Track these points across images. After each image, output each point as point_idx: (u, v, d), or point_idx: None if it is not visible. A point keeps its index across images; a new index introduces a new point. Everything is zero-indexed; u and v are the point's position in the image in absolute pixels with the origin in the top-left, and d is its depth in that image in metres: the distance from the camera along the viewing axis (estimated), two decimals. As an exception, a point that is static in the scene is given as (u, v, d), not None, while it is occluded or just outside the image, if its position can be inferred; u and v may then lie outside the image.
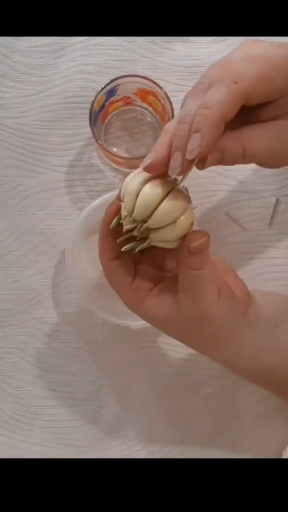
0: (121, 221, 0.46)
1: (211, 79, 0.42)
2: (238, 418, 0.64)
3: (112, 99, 0.61)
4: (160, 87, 0.58)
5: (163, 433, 0.64)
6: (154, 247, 0.47)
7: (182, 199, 0.44)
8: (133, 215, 0.44)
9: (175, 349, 0.64)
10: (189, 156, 0.41)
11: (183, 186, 0.46)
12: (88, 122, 0.59)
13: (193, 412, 0.64)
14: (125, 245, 0.46)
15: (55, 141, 0.65)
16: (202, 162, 0.42)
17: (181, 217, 0.45)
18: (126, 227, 0.45)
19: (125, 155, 0.64)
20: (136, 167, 0.62)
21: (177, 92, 0.64)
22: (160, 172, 0.44)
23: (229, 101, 0.40)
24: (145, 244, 0.46)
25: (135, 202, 0.44)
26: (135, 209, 0.44)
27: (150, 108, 0.63)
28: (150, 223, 0.44)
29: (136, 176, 0.45)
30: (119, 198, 0.47)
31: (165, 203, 0.44)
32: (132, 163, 0.62)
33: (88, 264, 0.64)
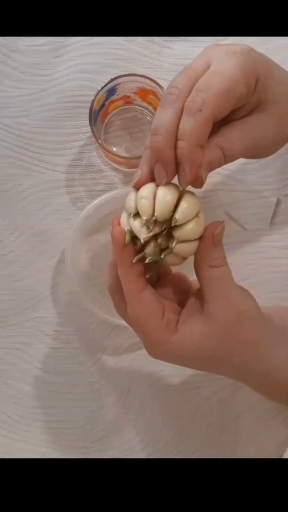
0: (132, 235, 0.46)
1: (179, 89, 0.45)
2: (238, 418, 0.64)
3: (112, 98, 0.61)
4: (160, 86, 0.58)
5: (163, 434, 0.64)
6: (162, 275, 0.49)
7: (194, 195, 0.47)
8: (156, 214, 0.44)
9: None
10: (183, 185, 0.45)
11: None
12: (88, 121, 0.59)
13: (193, 413, 0.64)
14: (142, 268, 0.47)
15: (55, 141, 0.65)
16: (198, 182, 0.46)
17: (200, 213, 0.46)
18: (146, 235, 0.45)
19: (125, 155, 0.64)
20: (136, 166, 0.63)
21: (177, 92, 0.65)
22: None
23: (198, 129, 0.44)
24: (169, 249, 0.46)
25: (153, 203, 0.45)
26: (157, 209, 0.44)
27: (150, 107, 0.63)
28: (179, 216, 0.45)
29: (142, 188, 0.46)
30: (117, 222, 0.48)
31: (186, 197, 0.45)
32: (132, 163, 0.62)
33: (88, 264, 0.64)
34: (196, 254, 0.47)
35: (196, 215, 0.46)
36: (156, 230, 0.45)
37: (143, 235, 0.45)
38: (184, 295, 0.51)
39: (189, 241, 0.46)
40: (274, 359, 0.49)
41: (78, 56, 0.65)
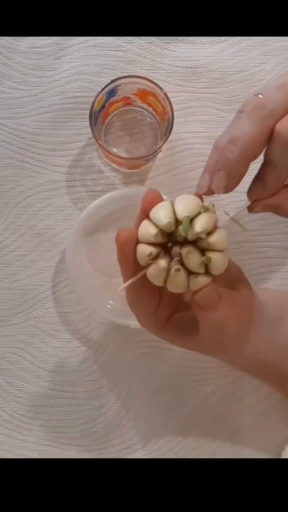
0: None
1: (273, 104, 0.42)
2: (238, 417, 0.65)
3: (112, 99, 0.61)
4: (160, 88, 0.58)
5: (163, 432, 0.65)
6: None
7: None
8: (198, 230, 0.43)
9: (174, 348, 0.64)
10: (216, 191, 0.44)
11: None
12: (88, 122, 0.59)
13: (193, 412, 0.65)
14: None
15: (56, 142, 0.65)
16: (252, 208, 0.46)
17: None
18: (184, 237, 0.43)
19: (125, 155, 0.64)
20: (136, 167, 0.63)
21: (176, 93, 0.65)
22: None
23: (255, 135, 0.41)
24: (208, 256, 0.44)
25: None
26: (200, 225, 0.43)
27: (150, 109, 0.63)
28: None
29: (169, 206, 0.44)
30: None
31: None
32: (131, 163, 0.62)
33: (88, 264, 0.65)
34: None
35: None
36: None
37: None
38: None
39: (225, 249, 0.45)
40: (253, 345, 0.52)
41: (78, 57, 0.65)
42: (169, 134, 0.58)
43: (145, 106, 0.63)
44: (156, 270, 0.44)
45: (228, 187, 0.44)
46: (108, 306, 0.63)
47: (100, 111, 0.61)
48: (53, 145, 0.65)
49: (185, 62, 0.65)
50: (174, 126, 0.58)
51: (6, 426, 0.65)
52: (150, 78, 0.59)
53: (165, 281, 0.45)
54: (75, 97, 0.65)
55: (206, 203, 0.45)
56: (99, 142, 0.59)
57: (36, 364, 0.65)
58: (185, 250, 0.43)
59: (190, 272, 0.44)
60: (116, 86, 0.59)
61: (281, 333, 0.53)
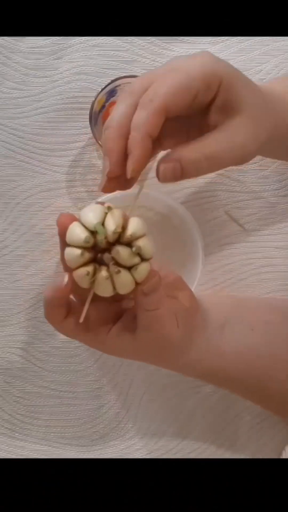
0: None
1: (132, 87, 0.46)
2: (237, 417, 0.65)
3: (112, 99, 0.61)
4: (160, 88, 0.58)
5: (163, 432, 0.65)
6: None
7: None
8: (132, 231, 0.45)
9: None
10: (128, 174, 0.45)
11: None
12: (88, 122, 0.59)
13: (193, 412, 0.65)
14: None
15: (56, 142, 0.65)
16: (158, 175, 0.47)
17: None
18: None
19: (125, 156, 0.64)
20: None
21: (177, 93, 0.65)
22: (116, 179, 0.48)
23: (149, 119, 0.44)
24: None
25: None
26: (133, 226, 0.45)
27: (150, 109, 0.63)
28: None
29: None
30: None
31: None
32: (132, 164, 0.62)
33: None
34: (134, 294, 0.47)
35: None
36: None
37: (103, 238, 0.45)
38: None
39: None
40: (193, 357, 0.52)
41: (78, 58, 0.65)
42: (169, 134, 0.58)
43: (145, 106, 0.63)
44: (103, 281, 0.45)
45: (111, 166, 0.46)
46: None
47: (100, 111, 0.61)
48: (53, 145, 0.65)
49: (185, 62, 0.65)
50: (174, 126, 0.58)
51: (6, 426, 0.65)
52: (150, 78, 0.59)
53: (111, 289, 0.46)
54: (75, 97, 0.65)
55: (106, 205, 0.47)
56: (99, 142, 0.59)
57: (36, 364, 0.65)
58: (114, 250, 0.45)
59: (128, 269, 0.46)
60: (116, 86, 0.59)
61: (224, 339, 0.54)
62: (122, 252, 0.44)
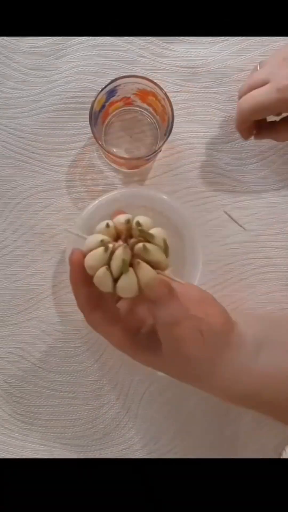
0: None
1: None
2: (237, 418, 0.65)
3: (112, 99, 0.61)
4: (160, 88, 0.58)
5: (163, 433, 0.65)
6: None
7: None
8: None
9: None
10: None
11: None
12: (88, 122, 0.59)
13: (193, 412, 0.65)
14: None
15: (56, 141, 0.65)
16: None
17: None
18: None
19: (125, 155, 0.64)
20: (136, 167, 0.63)
21: (176, 93, 0.65)
22: None
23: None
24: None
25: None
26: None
27: (150, 109, 0.63)
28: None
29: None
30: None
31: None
32: (132, 163, 0.62)
33: (88, 264, 0.64)
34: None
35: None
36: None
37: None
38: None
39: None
40: (225, 379, 0.50)
41: (78, 57, 0.65)
42: (169, 134, 0.58)
43: (145, 106, 0.63)
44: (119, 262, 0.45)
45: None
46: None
47: (100, 111, 0.61)
48: (53, 145, 0.65)
49: (185, 62, 0.65)
50: (174, 126, 0.58)
51: (6, 426, 0.65)
52: (150, 78, 0.59)
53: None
54: (75, 97, 0.65)
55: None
56: (99, 142, 0.59)
57: (36, 364, 0.65)
58: (132, 240, 0.45)
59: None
60: (116, 86, 0.59)
61: (260, 361, 0.51)
62: (148, 246, 0.45)
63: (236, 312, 0.54)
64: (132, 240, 0.45)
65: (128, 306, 0.51)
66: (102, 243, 0.45)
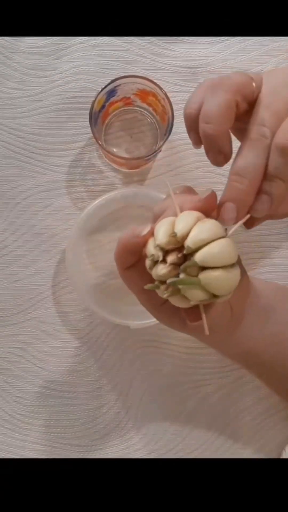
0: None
1: (268, 129, 0.42)
2: (237, 418, 0.65)
3: (112, 99, 0.61)
4: (160, 88, 0.58)
5: (163, 432, 0.65)
6: None
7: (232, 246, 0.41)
8: (188, 242, 0.39)
9: (174, 348, 0.65)
10: (257, 214, 0.43)
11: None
12: (88, 122, 0.59)
13: (193, 411, 0.65)
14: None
15: (56, 141, 0.65)
16: (251, 223, 0.44)
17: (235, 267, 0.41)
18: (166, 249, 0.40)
19: (125, 156, 0.64)
20: (136, 167, 0.63)
21: (177, 93, 0.65)
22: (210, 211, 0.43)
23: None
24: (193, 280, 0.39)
25: (191, 227, 0.40)
26: (191, 234, 0.39)
27: (150, 109, 0.63)
28: (190, 241, 0.39)
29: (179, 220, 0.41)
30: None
31: (222, 240, 0.40)
32: (131, 163, 0.62)
33: (88, 264, 0.65)
34: None
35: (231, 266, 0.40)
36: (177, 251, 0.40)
37: (165, 244, 0.40)
38: None
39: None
40: (251, 339, 0.52)
41: (78, 57, 0.65)
42: (169, 134, 0.58)
43: (145, 106, 0.63)
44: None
45: (238, 217, 0.43)
46: (108, 306, 0.63)
47: (100, 111, 0.61)
48: (53, 145, 0.65)
49: (185, 62, 0.65)
50: (174, 126, 0.58)
51: (6, 426, 0.65)
52: (150, 78, 0.59)
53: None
54: (75, 97, 0.65)
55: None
56: (99, 142, 0.59)
57: (36, 364, 0.65)
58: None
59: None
60: (116, 86, 0.59)
61: (270, 323, 0.53)
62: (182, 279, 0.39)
63: (252, 277, 0.53)
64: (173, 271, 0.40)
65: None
66: (151, 257, 0.41)
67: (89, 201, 0.64)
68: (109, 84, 0.58)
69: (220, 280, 0.39)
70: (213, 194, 0.43)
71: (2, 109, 0.65)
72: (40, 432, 0.65)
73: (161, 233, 0.40)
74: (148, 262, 0.42)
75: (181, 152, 0.65)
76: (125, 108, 0.64)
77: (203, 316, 0.42)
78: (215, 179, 0.65)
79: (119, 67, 0.65)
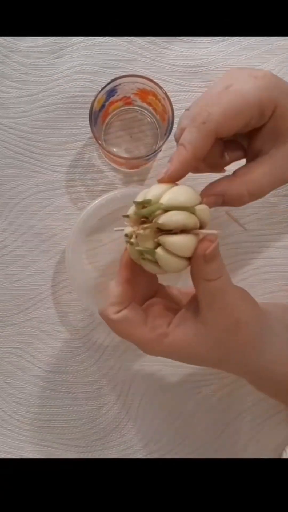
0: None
1: (191, 111, 0.47)
2: (237, 418, 0.65)
3: (112, 99, 0.61)
4: (160, 87, 0.58)
5: (163, 433, 0.65)
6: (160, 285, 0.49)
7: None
8: (163, 200, 0.44)
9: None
10: (160, 179, 0.47)
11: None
12: (88, 122, 0.59)
13: (193, 412, 0.65)
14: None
15: (55, 141, 0.65)
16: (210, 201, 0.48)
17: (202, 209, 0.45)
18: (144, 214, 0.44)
19: (125, 155, 0.64)
20: (136, 167, 0.63)
21: (177, 92, 0.65)
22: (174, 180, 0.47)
23: (200, 141, 0.45)
24: (149, 249, 0.44)
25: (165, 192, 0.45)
26: (168, 195, 0.44)
27: (150, 108, 0.63)
28: (165, 206, 0.44)
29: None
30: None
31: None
32: (131, 163, 0.62)
33: (88, 264, 0.65)
34: (191, 266, 0.46)
35: (191, 232, 0.44)
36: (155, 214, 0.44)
37: (146, 213, 0.44)
38: (175, 309, 0.50)
39: (176, 256, 0.44)
40: (269, 357, 0.49)
41: (78, 57, 0.65)
42: (169, 133, 0.58)
43: (145, 105, 0.63)
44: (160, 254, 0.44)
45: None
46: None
47: (100, 110, 0.61)
48: (53, 144, 0.65)
49: (185, 61, 0.65)
50: (174, 126, 0.58)
51: (6, 427, 0.65)
52: (150, 78, 0.59)
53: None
54: (74, 96, 0.65)
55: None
56: (99, 141, 0.59)
57: (36, 365, 0.65)
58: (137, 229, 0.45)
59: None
60: (116, 86, 0.59)
61: None
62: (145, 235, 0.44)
63: (261, 303, 0.53)
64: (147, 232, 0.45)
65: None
66: (127, 237, 0.45)
67: (89, 201, 0.64)
68: (109, 83, 0.58)
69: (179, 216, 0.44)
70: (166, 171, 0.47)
71: (2, 109, 0.65)
72: (39, 433, 0.65)
73: (131, 209, 0.46)
74: (129, 248, 0.46)
75: (181, 151, 0.65)
76: (125, 107, 0.64)
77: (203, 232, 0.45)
78: (216, 178, 0.65)
79: (119, 66, 0.65)
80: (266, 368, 0.50)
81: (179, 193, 0.44)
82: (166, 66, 0.65)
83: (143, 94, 0.61)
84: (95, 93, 0.58)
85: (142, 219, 0.45)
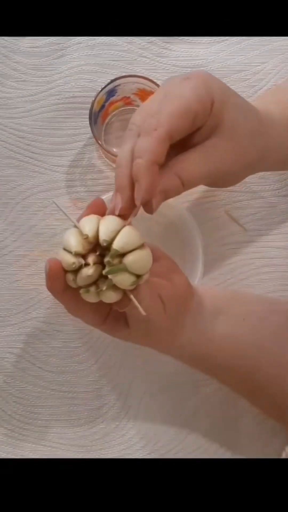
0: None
1: (137, 126, 0.46)
2: (238, 418, 0.64)
3: (112, 99, 0.61)
4: (160, 88, 0.58)
5: (163, 433, 0.65)
6: None
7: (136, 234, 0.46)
8: (102, 237, 0.44)
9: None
10: (137, 203, 0.45)
11: None
12: (88, 122, 0.59)
13: (193, 412, 0.65)
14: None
15: (55, 141, 0.65)
16: (149, 207, 0.46)
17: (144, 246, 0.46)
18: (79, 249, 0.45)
19: (125, 155, 0.64)
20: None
21: (177, 92, 0.65)
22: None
23: (154, 146, 0.44)
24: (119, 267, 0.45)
25: (97, 226, 0.45)
26: (101, 230, 0.45)
27: (150, 108, 0.63)
28: (117, 243, 0.45)
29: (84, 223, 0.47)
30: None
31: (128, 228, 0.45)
32: (132, 163, 0.62)
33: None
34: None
35: (143, 246, 0.46)
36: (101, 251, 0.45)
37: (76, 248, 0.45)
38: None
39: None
40: (184, 341, 0.54)
41: (78, 57, 0.65)
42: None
43: (145, 106, 0.63)
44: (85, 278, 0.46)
45: (124, 202, 0.46)
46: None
47: (100, 111, 0.61)
48: (53, 145, 0.65)
49: (185, 61, 0.65)
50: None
51: (6, 426, 0.65)
52: (150, 78, 0.59)
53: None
54: (74, 96, 0.65)
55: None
56: (99, 142, 0.59)
57: (36, 364, 0.65)
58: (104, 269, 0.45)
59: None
60: (116, 86, 0.59)
61: (216, 327, 0.55)
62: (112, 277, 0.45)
63: (198, 284, 0.57)
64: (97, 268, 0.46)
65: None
66: (74, 265, 0.45)
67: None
68: (109, 83, 0.58)
69: (140, 257, 0.45)
70: (96, 200, 0.49)
71: (2, 109, 0.65)
72: (40, 432, 0.65)
73: (73, 242, 0.45)
74: (69, 276, 0.46)
75: (181, 152, 0.65)
76: (125, 107, 0.64)
77: (132, 298, 0.46)
78: (215, 179, 0.65)
79: (119, 66, 0.65)
80: (179, 349, 0.55)
81: (130, 236, 0.45)
82: (166, 66, 0.65)
83: (143, 94, 0.61)
84: (95, 93, 0.59)
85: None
